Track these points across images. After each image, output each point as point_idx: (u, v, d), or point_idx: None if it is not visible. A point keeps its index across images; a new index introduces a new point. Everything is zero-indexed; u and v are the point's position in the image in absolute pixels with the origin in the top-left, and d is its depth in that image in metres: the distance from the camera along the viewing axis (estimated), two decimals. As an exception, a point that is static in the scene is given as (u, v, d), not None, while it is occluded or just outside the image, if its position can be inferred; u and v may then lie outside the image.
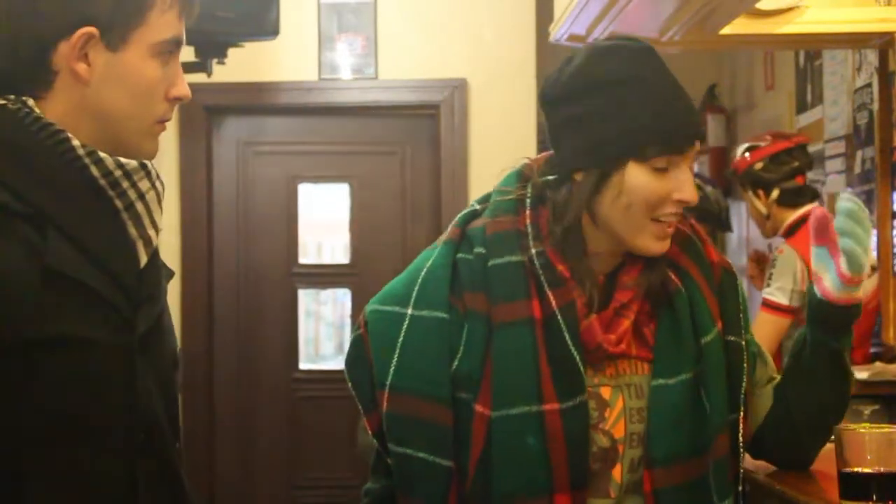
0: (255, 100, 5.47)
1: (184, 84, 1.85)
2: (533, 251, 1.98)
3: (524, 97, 5.33)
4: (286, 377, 5.48)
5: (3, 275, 1.67)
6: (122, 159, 1.79)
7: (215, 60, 4.54)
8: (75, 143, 1.75)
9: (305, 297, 5.64)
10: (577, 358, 1.94)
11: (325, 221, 5.66)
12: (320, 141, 5.58)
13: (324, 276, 5.66)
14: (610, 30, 3.96)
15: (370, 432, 2.07)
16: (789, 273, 4.08)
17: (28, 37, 1.77)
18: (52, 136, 1.75)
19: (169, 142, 5.33)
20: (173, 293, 5.29)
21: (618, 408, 1.98)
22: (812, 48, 5.01)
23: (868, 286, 4.18)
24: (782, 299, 4.06)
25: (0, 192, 1.70)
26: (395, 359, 2.01)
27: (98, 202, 1.78)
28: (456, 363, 1.99)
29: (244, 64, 4.97)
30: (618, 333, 1.96)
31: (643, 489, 1.96)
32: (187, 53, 4.55)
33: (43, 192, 1.73)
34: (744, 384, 1.99)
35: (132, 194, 1.80)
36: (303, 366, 5.52)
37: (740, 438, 1.97)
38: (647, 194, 1.94)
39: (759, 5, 3.79)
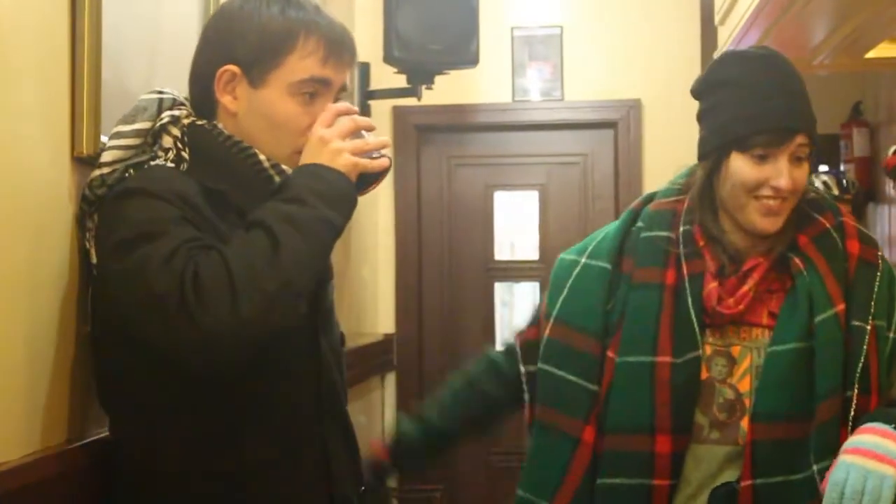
0: (457, 119, 5.60)
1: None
2: (682, 229, 2.08)
3: (692, 114, 5.18)
4: (485, 360, 5.62)
5: None
6: None
7: (424, 86, 4.78)
8: (262, 157, 1.86)
9: (500, 288, 5.73)
10: (695, 319, 2.01)
11: (517, 223, 5.73)
12: (513, 154, 5.68)
13: (516, 271, 5.74)
14: (766, 57, 4.32)
15: (518, 342, 2.22)
16: None
17: (200, 71, 1.92)
18: (242, 150, 1.86)
19: (385, 156, 5.70)
20: (386, 284, 5.50)
21: (744, 365, 2.03)
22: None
23: None
24: None
25: (225, 197, 1.83)
26: (563, 296, 2.15)
27: None
28: (609, 308, 2.10)
29: (449, 89, 5.17)
30: (736, 297, 2.02)
31: (745, 439, 1.98)
32: (400, 80, 4.81)
33: (242, 195, 1.84)
34: (860, 363, 1.95)
35: None
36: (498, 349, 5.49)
37: (852, 412, 1.93)
38: (744, 179, 1.99)
39: (900, 32, 3.80)
